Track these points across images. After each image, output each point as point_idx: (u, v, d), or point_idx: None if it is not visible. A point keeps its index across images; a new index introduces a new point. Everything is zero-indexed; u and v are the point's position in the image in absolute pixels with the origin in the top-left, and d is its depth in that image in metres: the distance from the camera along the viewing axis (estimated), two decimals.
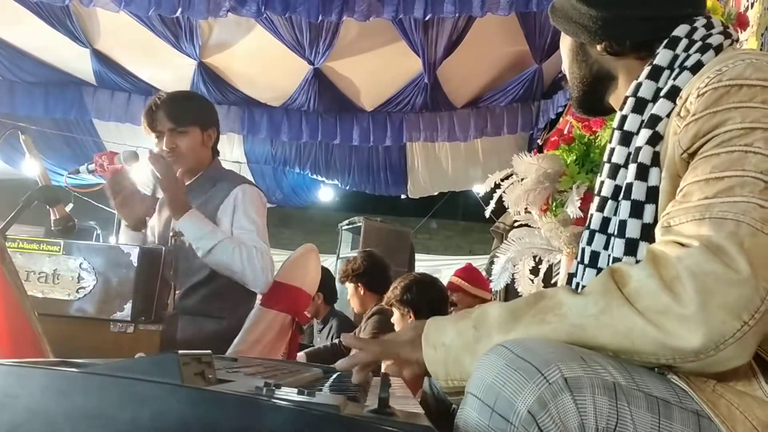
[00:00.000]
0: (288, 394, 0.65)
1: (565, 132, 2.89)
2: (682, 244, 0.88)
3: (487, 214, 2.88)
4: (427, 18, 4.82)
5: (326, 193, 8.40)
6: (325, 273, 4.51)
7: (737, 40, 1.13)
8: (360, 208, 9.06)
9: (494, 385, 0.81)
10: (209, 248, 2.25)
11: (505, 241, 2.92)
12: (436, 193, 7.95)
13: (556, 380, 0.79)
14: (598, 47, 1.20)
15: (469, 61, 5.81)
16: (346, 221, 6.93)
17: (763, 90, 0.92)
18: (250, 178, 7.66)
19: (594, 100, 1.28)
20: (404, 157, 7.22)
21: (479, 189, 2.98)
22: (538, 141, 5.79)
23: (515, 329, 0.92)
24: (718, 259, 0.84)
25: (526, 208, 2.66)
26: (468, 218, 10.18)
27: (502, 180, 2.74)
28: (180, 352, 0.64)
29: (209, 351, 0.74)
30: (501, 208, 2.84)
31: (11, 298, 1.38)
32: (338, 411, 0.60)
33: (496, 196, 2.73)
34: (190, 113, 2.43)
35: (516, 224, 2.94)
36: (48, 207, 2.08)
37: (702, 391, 0.87)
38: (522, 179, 2.69)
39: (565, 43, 1.29)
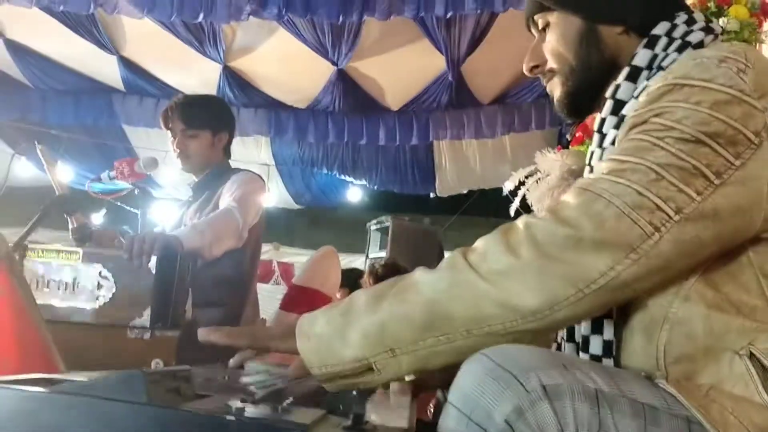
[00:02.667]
0: (260, 412, 0.63)
1: (590, 127, 2.83)
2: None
3: (512, 212, 2.83)
4: (448, 15, 4.78)
5: (354, 193, 8.38)
6: (358, 274, 4.59)
7: (721, 34, 1.08)
8: (389, 207, 9.01)
9: (472, 395, 0.80)
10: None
11: None
12: (465, 192, 7.87)
13: (534, 388, 0.78)
14: (616, 29, 1.11)
15: (494, 58, 5.73)
16: (375, 221, 6.88)
17: (702, 91, 0.91)
18: (278, 179, 7.73)
19: (590, 94, 1.18)
20: (431, 155, 7.17)
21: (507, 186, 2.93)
22: (567, 136, 5.68)
23: (379, 310, 0.92)
24: (566, 229, 0.86)
25: None
26: (498, 215, 10.02)
27: (526, 177, 2.69)
28: (146, 370, 0.62)
29: (187, 366, 0.73)
30: (527, 205, 2.79)
31: (21, 309, 1.39)
32: (305, 430, 0.58)
33: (520, 193, 2.69)
34: (202, 118, 2.56)
35: None
36: (65, 216, 2.11)
37: (693, 396, 0.85)
38: (546, 176, 2.64)
39: (566, 26, 1.16)
